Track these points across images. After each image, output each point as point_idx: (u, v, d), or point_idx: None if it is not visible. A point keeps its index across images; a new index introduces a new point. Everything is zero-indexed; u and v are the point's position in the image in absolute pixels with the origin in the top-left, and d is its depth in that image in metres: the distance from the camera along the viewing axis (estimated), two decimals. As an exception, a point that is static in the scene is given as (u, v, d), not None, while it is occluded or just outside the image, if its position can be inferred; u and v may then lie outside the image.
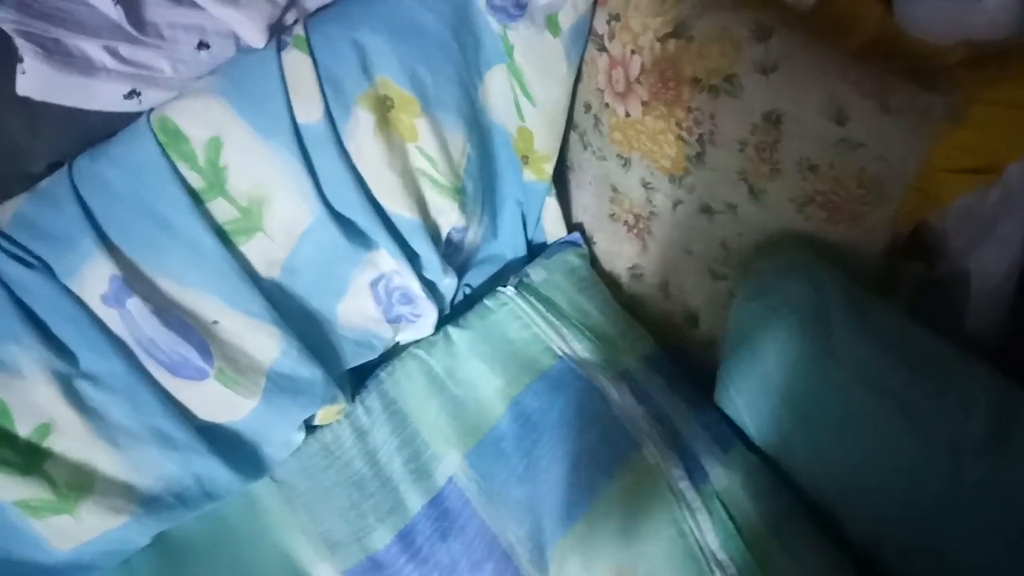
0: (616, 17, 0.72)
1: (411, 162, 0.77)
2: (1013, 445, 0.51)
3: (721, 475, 0.63)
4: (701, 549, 0.59)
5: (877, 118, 0.57)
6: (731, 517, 0.60)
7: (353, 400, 0.80)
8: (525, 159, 0.85)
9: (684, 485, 0.63)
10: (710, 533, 0.60)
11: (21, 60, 0.58)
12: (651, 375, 0.75)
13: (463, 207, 0.81)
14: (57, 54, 0.58)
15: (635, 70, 0.71)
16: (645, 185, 0.78)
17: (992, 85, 0.57)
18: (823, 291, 0.60)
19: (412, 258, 0.79)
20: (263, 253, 0.72)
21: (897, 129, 0.57)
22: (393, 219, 0.77)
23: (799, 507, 0.63)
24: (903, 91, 0.57)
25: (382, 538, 0.70)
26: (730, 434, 0.67)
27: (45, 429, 0.64)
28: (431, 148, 0.76)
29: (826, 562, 0.60)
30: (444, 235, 0.83)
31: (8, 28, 0.56)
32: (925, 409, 0.54)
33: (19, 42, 0.57)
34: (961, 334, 0.65)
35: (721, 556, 0.59)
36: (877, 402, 0.56)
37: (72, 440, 0.65)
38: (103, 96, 0.62)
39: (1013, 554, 0.51)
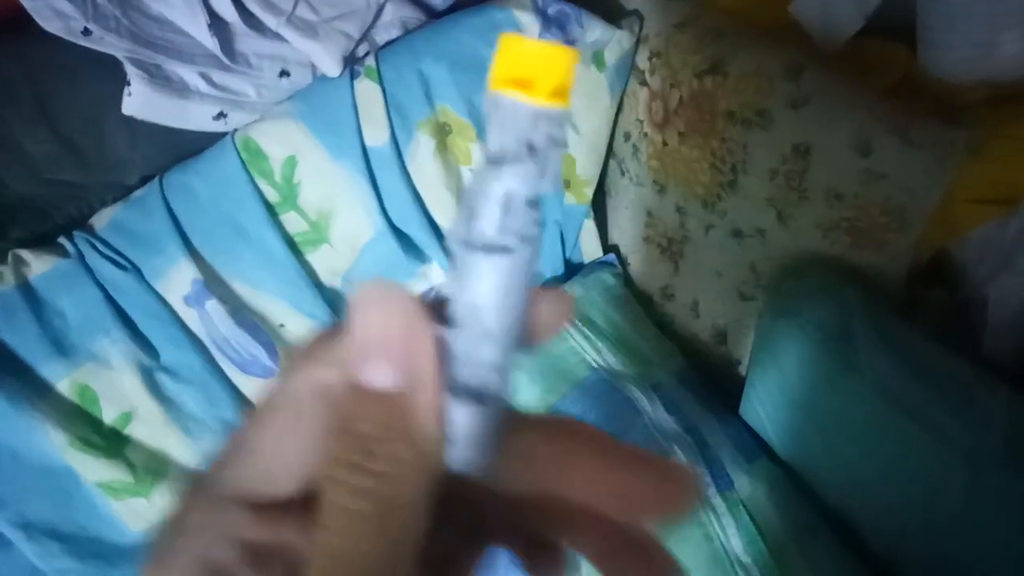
0: (657, 54, 0.77)
1: (464, 182, 0.81)
2: (1031, 458, 0.52)
3: (746, 484, 0.66)
4: (726, 552, 0.62)
5: (900, 151, 0.61)
6: (755, 524, 0.63)
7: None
8: (567, 183, 0.90)
9: (711, 492, 0.66)
10: (735, 538, 0.63)
11: (128, 83, 0.64)
12: (681, 388, 0.78)
13: (509, 226, 0.85)
14: (159, 78, 0.65)
15: (674, 103, 0.76)
16: (679, 210, 0.82)
17: (1012, 121, 0.60)
18: (848, 310, 0.62)
19: (461, 272, 0.83)
20: (328, 263, 0.78)
21: (919, 161, 0.61)
22: (446, 234, 0.81)
23: (820, 517, 0.65)
24: (925, 126, 0.60)
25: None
26: (755, 446, 0.70)
27: (127, 417, 0.70)
28: (482, 170, 0.80)
29: (845, 572, 0.61)
30: (490, 251, 0.87)
31: (120, 55, 0.63)
32: (945, 424, 0.55)
33: (128, 67, 0.64)
34: (979, 359, 0.66)
35: (745, 560, 0.62)
36: (898, 416, 0.57)
37: (151, 428, 0.71)
38: (195, 117, 0.69)
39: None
